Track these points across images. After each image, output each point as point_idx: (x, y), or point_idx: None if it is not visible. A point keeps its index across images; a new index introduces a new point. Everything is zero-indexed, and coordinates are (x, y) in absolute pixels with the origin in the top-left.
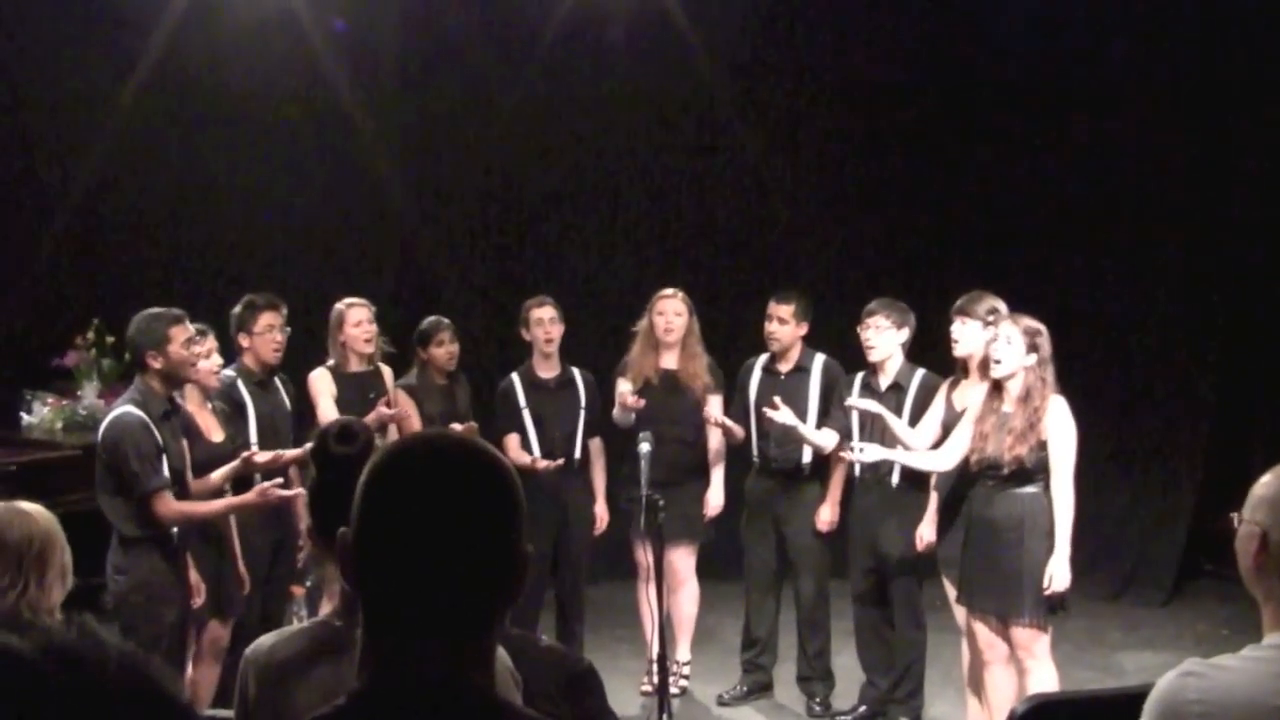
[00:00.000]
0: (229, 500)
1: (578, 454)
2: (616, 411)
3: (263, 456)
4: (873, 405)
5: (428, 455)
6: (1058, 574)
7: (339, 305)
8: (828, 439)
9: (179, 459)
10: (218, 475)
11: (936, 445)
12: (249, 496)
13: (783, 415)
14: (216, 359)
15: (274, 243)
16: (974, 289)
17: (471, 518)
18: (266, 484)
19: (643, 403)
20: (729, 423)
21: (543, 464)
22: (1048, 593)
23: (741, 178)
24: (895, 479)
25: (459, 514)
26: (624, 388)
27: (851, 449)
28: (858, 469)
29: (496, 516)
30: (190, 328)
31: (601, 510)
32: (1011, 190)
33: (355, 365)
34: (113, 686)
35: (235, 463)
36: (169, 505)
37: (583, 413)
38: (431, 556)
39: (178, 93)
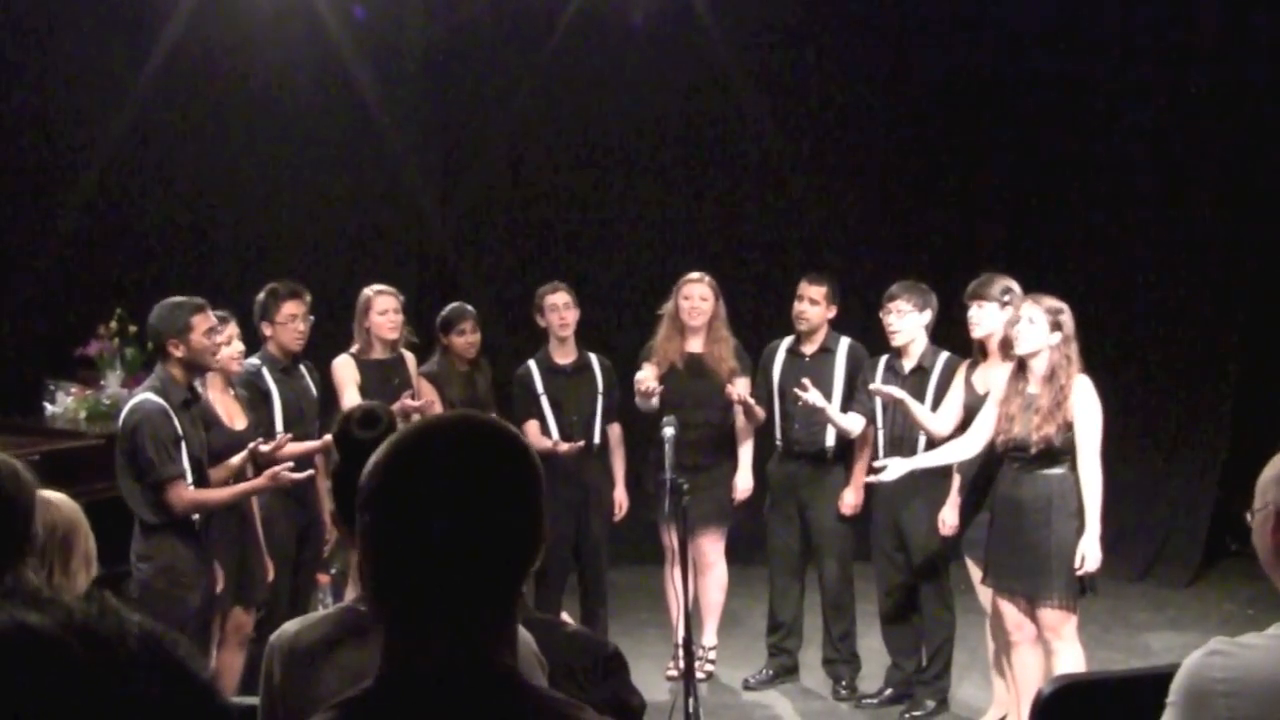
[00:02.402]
0: (240, 486)
1: (597, 439)
2: (638, 398)
3: (266, 447)
4: (895, 391)
5: (442, 433)
6: (1089, 553)
7: (366, 291)
8: (854, 423)
9: (199, 448)
10: (235, 461)
11: (960, 428)
12: (259, 481)
13: (812, 395)
14: (238, 345)
15: (296, 230)
16: (996, 269)
17: (490, 490)
18: (277, 467)
19: (659, 389)
20: (750, 401)
21: (564, 446)
22: (1080, 572)
23: (765, 161)
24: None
25: (476, 487)
26: (641, 374)
27: (876, 451)
28: (881, 452)
29: (516, 489)
30: (212, 316)
31: (621, 496)
32: (1034, 169)
33: (379, 352)
34: (135, 662)
35: (243, 454)
36: (182, 494)
37: (600, 398)
38: (450, 531)
39: (197, 79)
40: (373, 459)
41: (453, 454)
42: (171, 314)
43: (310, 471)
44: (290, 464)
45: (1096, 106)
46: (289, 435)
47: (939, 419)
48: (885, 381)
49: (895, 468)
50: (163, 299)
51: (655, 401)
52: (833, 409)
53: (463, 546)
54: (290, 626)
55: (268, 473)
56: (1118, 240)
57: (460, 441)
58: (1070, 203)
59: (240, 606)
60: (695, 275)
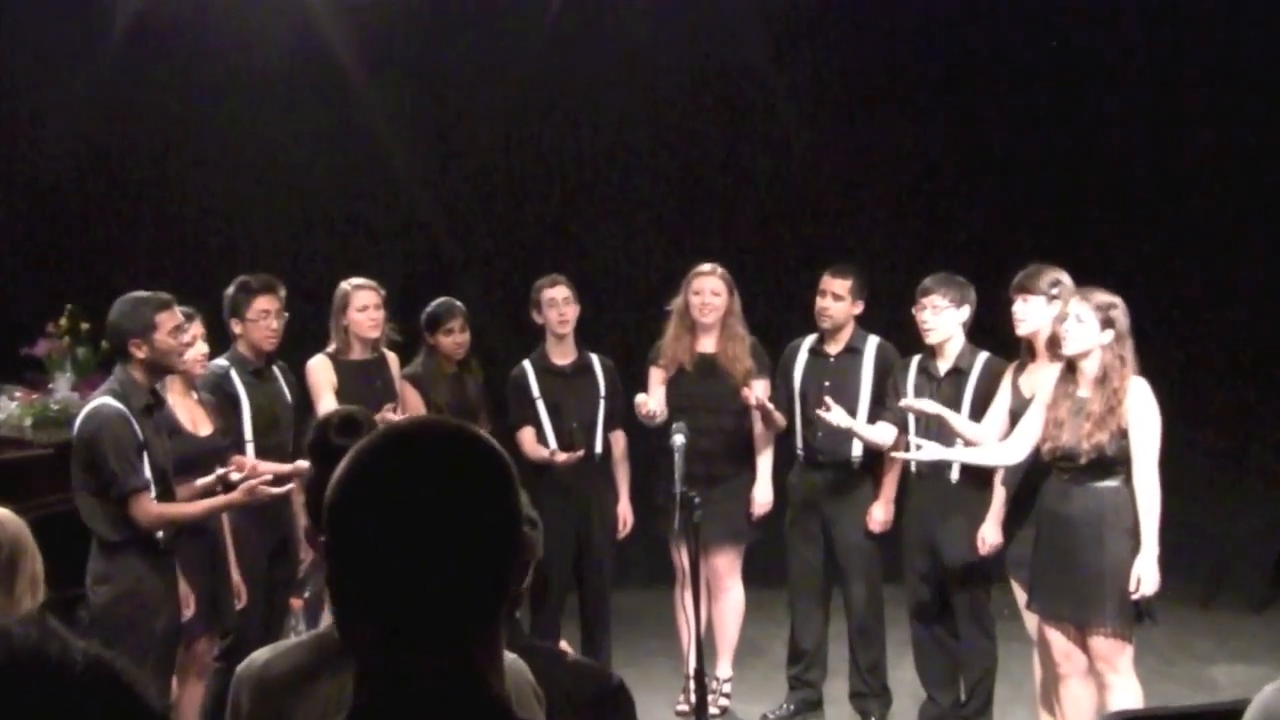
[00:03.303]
0: (213, 500)
1: (598, 447)
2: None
3: (238, 474)
4: (930, 406)
5: (406, 440)
6: (1146, 575)
7: (344, 285)
8: (885, 434)
9: (163, 456)
10: (200, 484)
11: (1005, 437)
12: (234, 496)
13: (835, 415)
14: (202, 346)
15: (269, 218)
16: (1043, 260)
17: (462, 501)
18: (254, 480)
19: (662, 415)
20: (768, 405)
21: (561, 456)
22: (1135, 597)
23: (783, 141)
24: (955, 473)
25: (448, 498)
26: (642, 397)
27: (907, 446)
28: (914, 463)
29: (488, 500)
30: (179, 314)
31: (625, 510)
32: (1077, 155)
33: (359, 352)
34: (81, 690)
35: (209, 478)
36: (148, 508)
37: (602, 402)
38: (422, 547)
39: (161, 56)
40: (336, 473)
41: (415, 463)
42: (135, 310)
43: (289, 486)
44: (268, 477)
45: (1156, 81)
46: (256, 464)
47: (983, 429)
48: (918, 385)
49: (930, 450)
50: (120, 294)
51: (660, 417)
52: (860, 425)
53: (432, 564)
54: (260, 655)
55: (243, 487)
56: (1177, 228)
57: (422, 449)
58: (1125, 187)
59: (206, 634)
60: (706, 267)
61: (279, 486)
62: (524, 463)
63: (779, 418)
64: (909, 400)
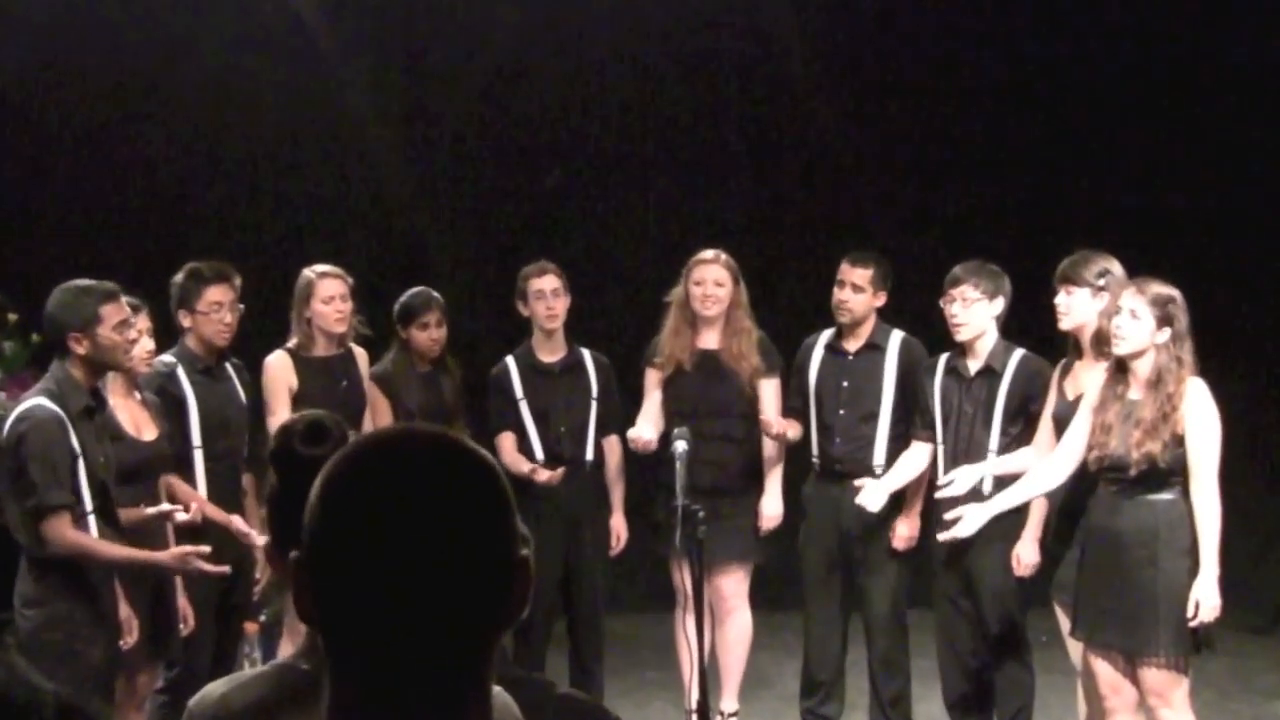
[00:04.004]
0: (137, 554)
1: (589, 455)
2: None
3: (184, 516)
4: (968, 476)
5: (391, 453)
6: (1205, 599)
7: (307, 273)
8: (1019, 461)
9: (101, 466)
10: (149, 512)
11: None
12: (164, 558)
13: (957, 485)
14: (148, 341)
15: (223, 197)
16: (1084, 248)
17: (452, 524)
18: (189, 549)
19: (654, 446)
20: (787, 431)
21: (543, 475)
22: (1192, 624)
23: (800, 113)
24: (988, 485)
25: (436, 521)
26: (634, 431)
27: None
28: (942, 469)
29: (482, 521)
30: (125, 306)
31: (619, 524)
32: (1121, 136)
33: (323, 348)
34: None
35: (154, 510)
36: (64, 531)
37: (594, 404)
38: (406, 576)
39: (103, 11)
40: (312, 493)
41: (401, 487)
42: (76, 301)
43: (225, 569)
44: (205, 550)
45: (1210, 52)
46: (203, 506)
47: (1051, 471)
48: (945, 387)
49: (964, 478)
50: (53, 281)
51: (655, 446)
52: (991, 466)
53: (422, 599)
54: (215, 689)
55: (175, 553)
56: (1241, 215)
57: (410, 470)
58: (1163, 172)
59: (148, 664)
60: (709, 254)
61: (217, 563)
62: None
63: (795, 432)
64: (946, 480)
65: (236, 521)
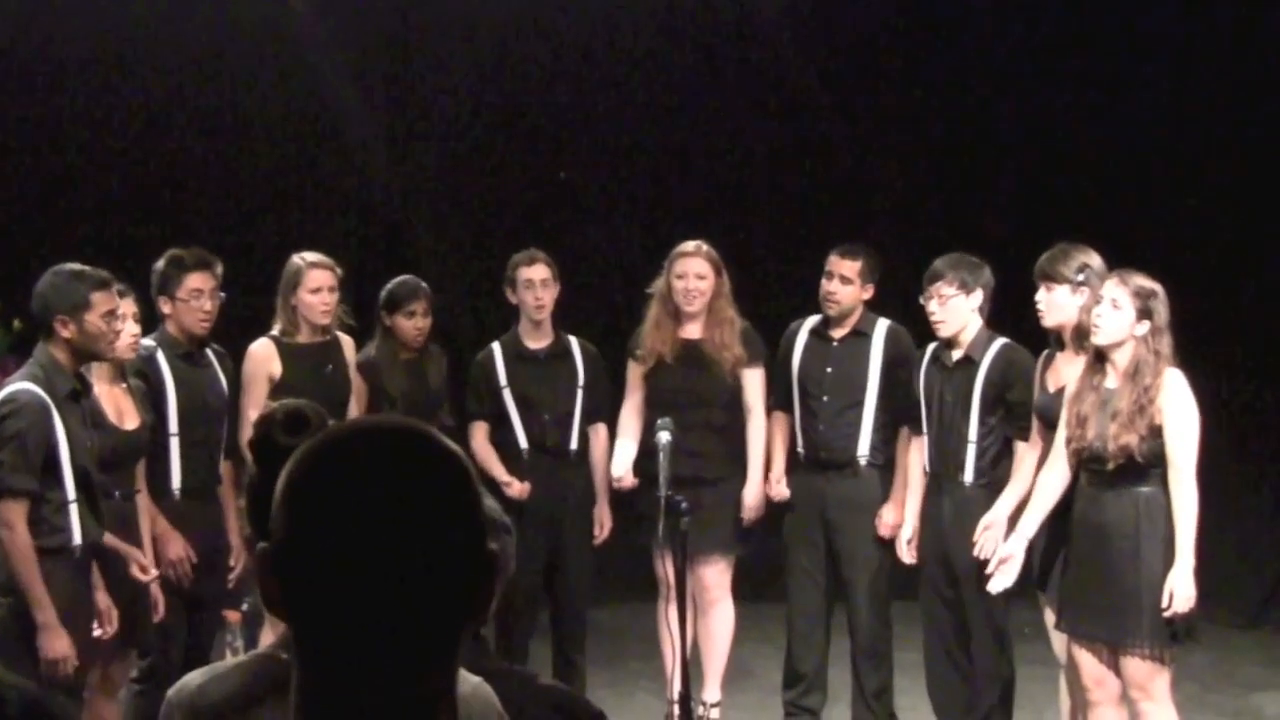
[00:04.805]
0: (36, 586)
1: (574, 444)
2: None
3: (145, 576)
4: (990, 542)
5: (358, 445)
6: (1179, 590)
7: (297, 260)
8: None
9: (86, 454)
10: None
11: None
12: (44, 602)
13: (988, 544)
14: (133, 326)
15: (205, 183)
16: (1059, 244)
17: (418, 518)
18: (111, 629)
19: (634, 484)
20: (780, 495)
21: (516, 488)
22: (1167, 614)
23: (788, 104)
24: (968, 476)
25: (401, 514)
26: (618, 470)
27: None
28: (928, 460)
29: (449, 514)
30: (115, 297)
31: (604, 513)
32: (1108, 129)
33: (307, 335)
34: None
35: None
36: (13, 520)
37: (580, 393)
38: (372, 569)
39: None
40: (277, 487)
41: (369, 479)
42: (68, 285)
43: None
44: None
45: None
46: (154, 579)
47: (1054, 477)
48: (929, 375)
49: (988, 542)
50: (32, 270)
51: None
52: (1029, 528)
53: (389, 592)
54: (193, 679)
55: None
56: (1225, 211)
57: (378, 462)
58: (1150, 164)
59: (118, 654)
60: (690, 246)
61: (189, 550)
62: (498, 455)
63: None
64: (981, 538)
65: (135, 555)
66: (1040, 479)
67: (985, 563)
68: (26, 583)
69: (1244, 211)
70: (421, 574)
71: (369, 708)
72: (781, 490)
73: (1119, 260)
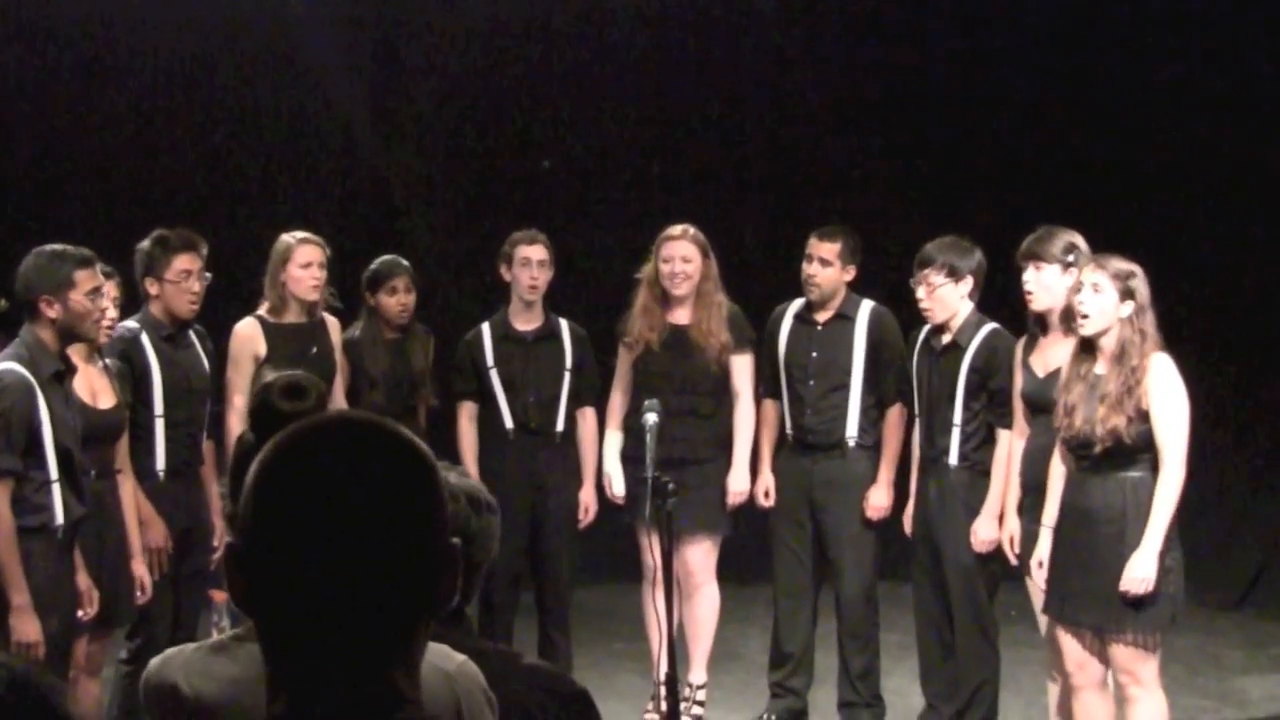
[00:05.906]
0: (15, 572)
1: (559, 426)
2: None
3: (141, 568)
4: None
5: (324, 441)
6: (1137, 570)
7: (286, 238)
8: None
9: (68, 433)
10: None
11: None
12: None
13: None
14: (111, 310)
15: (189, 162)
16: (1058, 223)
17: (381, 512)
18: (38, 645)
19: (622, 497)
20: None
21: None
22: (1122, 588)
23: (774, 85)
24: (953, 458)
25: (365, 509)
26: (608, 468)
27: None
28: (918, 439)
29: (412, 509)
30: (99, 275)
31: (589, 496)
32: (1097, 113)
33: (294, 314)
34: (4, 711)
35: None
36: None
37: (567, 375)
38: (335, 563)
39: None
40: (245, 483)
41: (333, 475)
42: (51, 264)
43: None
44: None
45: (1191, 29)
46: (92, 613)
47: (1059, 478)
48: (920, 360)
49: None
50: (15, 250)
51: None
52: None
53: (351, 584)
54: (172, 655)
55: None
56: (1205, 192)
57: (342, 459)
58: (1139, 148)
59: (99, 634)
60: (676, 230)
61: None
62: (484, 435)
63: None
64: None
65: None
66: (1053, 468)
67: (969, 546)
68: (4, 563)
69: (1226, 196)
70: (379, 569)
71: (332, 699)
72: (768, 481)
73: (1102, 246)
